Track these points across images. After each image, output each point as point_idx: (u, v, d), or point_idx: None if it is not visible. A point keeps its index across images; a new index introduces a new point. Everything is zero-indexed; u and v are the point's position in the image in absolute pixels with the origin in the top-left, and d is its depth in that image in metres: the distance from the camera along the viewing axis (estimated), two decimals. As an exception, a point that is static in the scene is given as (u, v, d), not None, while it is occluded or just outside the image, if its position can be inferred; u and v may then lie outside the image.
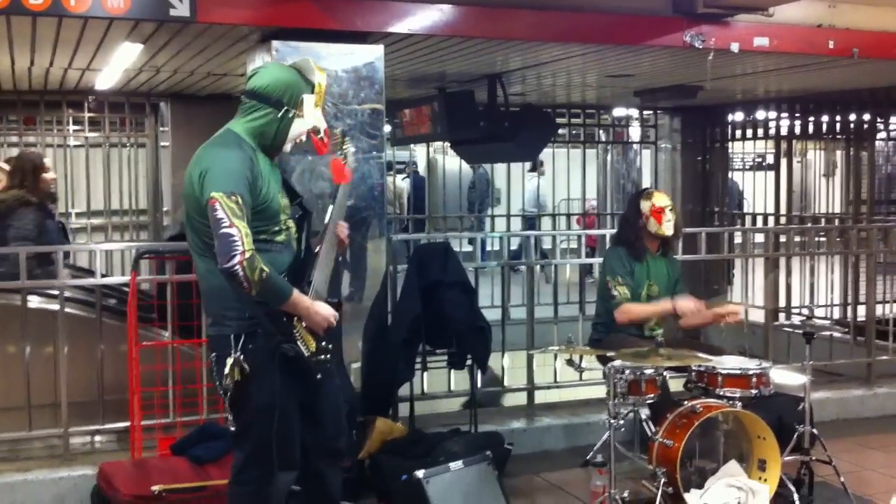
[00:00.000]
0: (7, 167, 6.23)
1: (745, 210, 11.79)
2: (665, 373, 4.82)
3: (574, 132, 10.76)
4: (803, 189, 12.03)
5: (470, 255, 6.80)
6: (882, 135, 9.86)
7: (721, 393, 4.68)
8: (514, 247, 12.95)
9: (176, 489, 4.29)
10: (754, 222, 10.23)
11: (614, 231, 5.78)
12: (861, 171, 9.39)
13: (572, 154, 10.78)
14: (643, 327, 5.38)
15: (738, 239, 9.07)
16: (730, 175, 11.40)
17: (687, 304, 5.22)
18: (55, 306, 5.10)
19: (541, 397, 6.35)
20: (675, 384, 5.11)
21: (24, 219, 5.80)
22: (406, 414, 5.58)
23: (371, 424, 5.03)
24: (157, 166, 9.34)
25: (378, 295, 5.38)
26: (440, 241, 6.02)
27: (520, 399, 6.42)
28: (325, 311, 3.41)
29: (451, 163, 13.56)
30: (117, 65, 6.65)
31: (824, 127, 9.51)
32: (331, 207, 3.63)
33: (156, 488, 4.24)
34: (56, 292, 5.15)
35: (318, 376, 3.46)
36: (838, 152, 11.27)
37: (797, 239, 8.03)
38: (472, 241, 12.09)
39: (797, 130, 9.86)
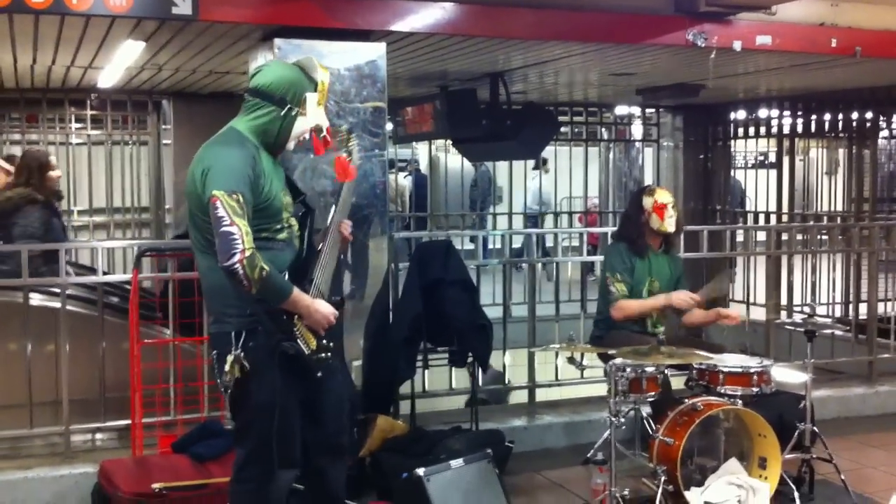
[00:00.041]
0: (7, 166, 6.25)
1: (748, 208, 11.78)
2: (666, 371, 4.82)
3: (576, 130, 10.76)
4: (805, 187, 11.99)
5: (472, 253, 6.81)
6: (884, 133, 9.86)
7: (722, 391, 4.69)
8: (517, 245, 12.95)
9: (177, 487, 4.29)
10: (756, 220, 10.23)
11: (616, 227, 5.78)
12: (863, 170, 9.39)
13: (574, 152, 10.77)
14: (645, 325, 5.38)
15: (740, 237, 9.06)
16: (732, 173, 11.39)
17: (682, 298, 5.21)
18: (57, 304, 5.10)
19: (542, 395, 6.36)
20: (677, 382, 5.12)
21: (30, 217, 5.82)
22: (407, 412, 5.59)
23: (372, 422, 5.03)
24: (160, 164, 9.34)
25: (379, 293, 5.38)
26: (442, 239, 6.04)
27: (521, 397, 6.43)
28: (325, 309, 3.41)
29: (453, 161, 13.55)
30: (119, 63, 6.66)
31: (826, 125, 9.49)
32: (335, 205, 3.64)
33: (157, 486, 4.25)
34: (58, 290, 5.15)
35: (319, 374, 3.46)
36: (840, 150, 11.25)
37: (799, 237, 8.02)
38: (473, 240, 12.18)
39: (799, 129, 9.84)
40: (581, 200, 12.06)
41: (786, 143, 10.04)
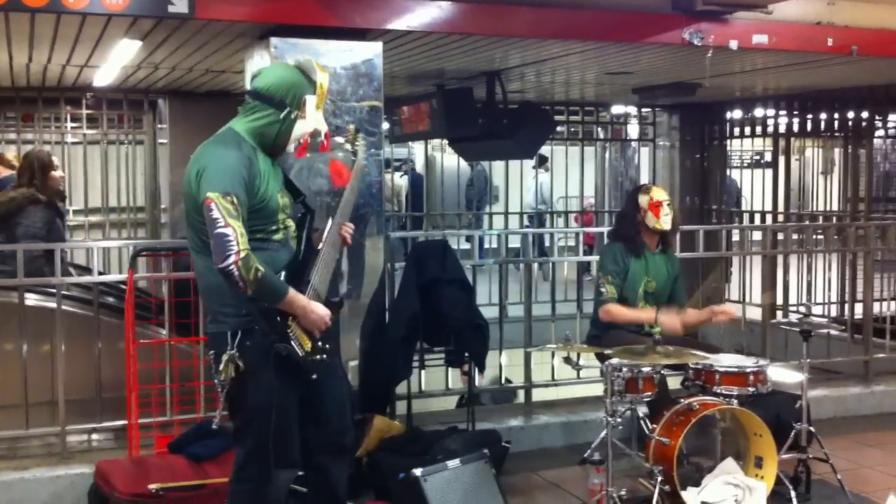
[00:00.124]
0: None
1: (744, 208, 11.78)
2: (662, 370, 4.82)
3: (573, 130, 10.75)
4: (801, 187, 12.01)
5: (468, 253, 6.80)
6: (880, 132, 9.86)
7: (718, 390, 4.69)
8: (516, 244, 12.91)
9: (173, 487, 4.28)
10: (752, 220, 10.24)
11: (611, 227, 5.78)
12: (859, 169, 9.39)
13: (571, 151, 10.77)
14: (641, 325, 5.38)
15: (735, 237, 9.08)
16: (728, 173, 11.40)
17: (670, 321, 5.15)
18: (53, 304, 5.09)
19: (538, 395, 6.35)
20: (673, 382, 5.12)
21: (34, 217, 5.84)
22: (404, 412, 5.59)
23: (369, 422, 5.03)
24: (156, 163, 9.32)
25: (376, 292, 5.37)
26: (438, 239, 6.03)
27: (517, 397, 6.42)
28: (320, 311, 3.41)
29: (450, 160, 13.52)
30: (115, 61, 6.64)
31: (822, 124, 9.52)
32: (338, 206, 3.64)
33: (153, 487, 4.24)
34: (54, 290, 5.14)
35: (315, 376, 3.44)
36: (836, 150, 11.24)
37: (795, 236, 8.03)
38: (470, 239, 12.16)
39: (795, 128, 9.86)
40: (577, 200, 12.07)
41: (782, 143, 10.05)
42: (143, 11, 4.76)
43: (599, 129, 11.43)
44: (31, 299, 5.31)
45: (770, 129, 10.05)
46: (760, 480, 4.53)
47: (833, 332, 7.35)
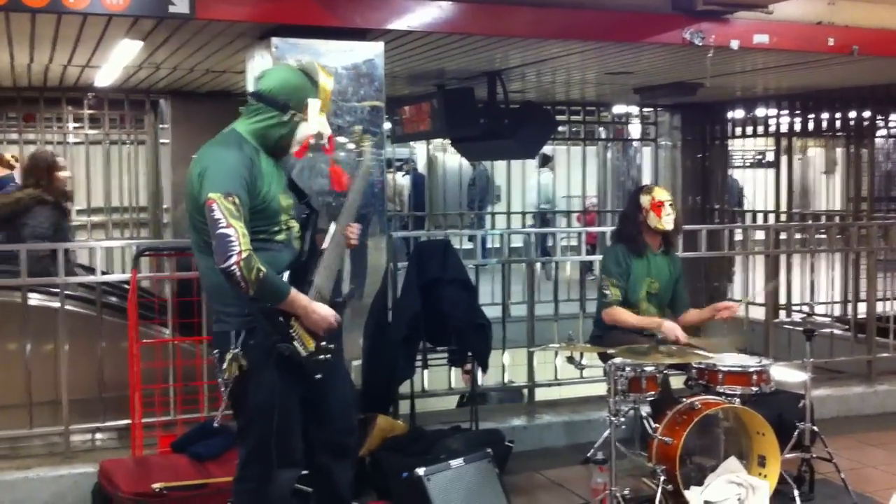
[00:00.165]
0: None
1: (746, 207, 11.78)
2: (665, 370, 4.82)
3: (574, 129, 10.75)
4: (803, 186, 12.02)
5: (470, 253, 6.80)
6: (882, 132, 9.87)
7: (721, 390, 4.69)
8: (520, 244, 12.91)
9: (176, 487, 4.29)
10: (754, 220, 10.24)
11: (614, 228, 5.78)
12: (861, 169, 9.39)
13: (572, 151, 10.77)
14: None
15: (738, 236, 9.07)
16: (730, 172, 11.40)
17: (672, 330, 5.14)
18: (56, 304, 5.09)
19: (541, 394, 6.35)
20: (676, 381, 5.11)
21: (40, 217, 5.86)
22: (406, 411, 5.58)
23: (371, 422, 5.03)
24: (157, 163, 9.33)
25: (378, 292, 5.37)
26: (440, 239, 6.03)
27: (523, 397, 6.42)
28: (323, 311, 3.41)
29: (451, 160, 13.57)
30: (117, 62, 6.64)
31: (824, 124, 9.51)
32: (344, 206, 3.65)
33: (156, 486, 4.24)
34: (57, 290, 5.14)
35: (318, 377, 3.44)
36: (838, 149, 11.27)
37: (797, 236, 8.03)
38: (472, 239, 12.16)
39: (797, 128, 9.85)
40: (579, 200, 12.07)
41: (783, 142, 10.05)
42: (144, 11, 4.76)
43: (601, 128, 11.44)
44: (35, 299, 5.31)
45: (772, 129, 10.04)
46: (764, 479, 4.52)
47: (836, 331, 7.37)
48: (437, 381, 6.21)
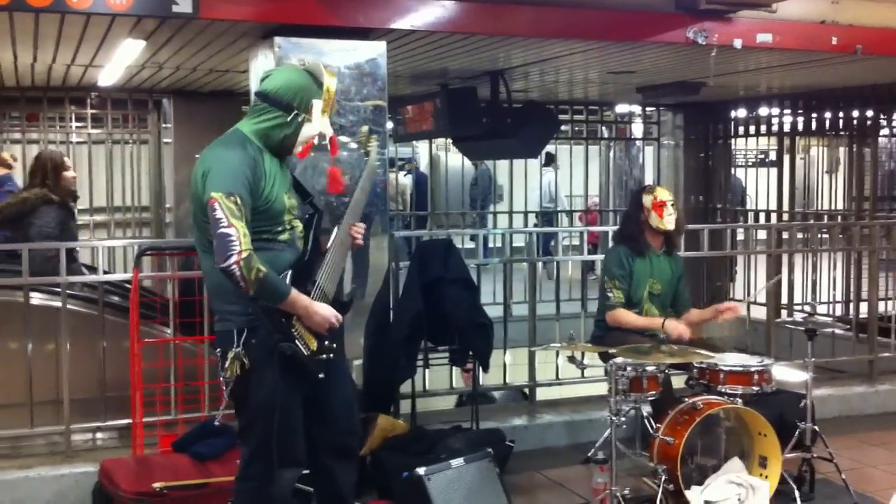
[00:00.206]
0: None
1: (748, 207, 11.77)
2: (667, 369, 4.82)
3: (576, 129, 10.75)
4: (806, 186, 11.99)
5: (472, 252, 6.79)
6: (885, 131, 9.86)
7: (723, 390, 4.69)
8: (523, 243, 12.90)
9: (177, 486, 4.29)
10: (757, 219, 10.22)
11: (616, 228, 5.78)
12: (864, 168, 9.38)
13: (575, 151, 10.76)
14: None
15: (740, 236, 9.06)
16: (732, 171, 11.39)
17: (675, 328, 5.15)
18: (58, 303, 5.10)
19: (542, 394, 6.35)
20: (677, 381, 5.11)
21: (46, 217, 5.87)
22: (407, 411, 5.58)
23: (373, 421, 5.03)
24: (160, 163, 9.35)
25: (380, 291, 5.38)
26: (442, 238, 6.02)
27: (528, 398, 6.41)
28: (324, 311, 3.41)
29: (454, 159, 13.52)
30: (120, 61, 6.65)
31: (827, 123, 9.50)
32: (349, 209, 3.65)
33: (157, 485, 4.24)
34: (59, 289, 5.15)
35: (321, 376, 3.45)
36: (841, 149, 11.25)
37: (800, 235, 8.02)
38: (474, 238, 12.18)
39: (800, 127, 9.84)
40: (581, 199, 12.06)
41: (786, 142, 10.03)
42: (147, 11, 4.77)
43: (603, 128, 11.42)
44: (37, 298, 5.32)
45: (775, 128, 10.04)
46: (764, 480, 4.52)
47: (838, 331, 7.38)
48: (437, 381, 6.22)
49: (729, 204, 10.68)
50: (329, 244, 3.58)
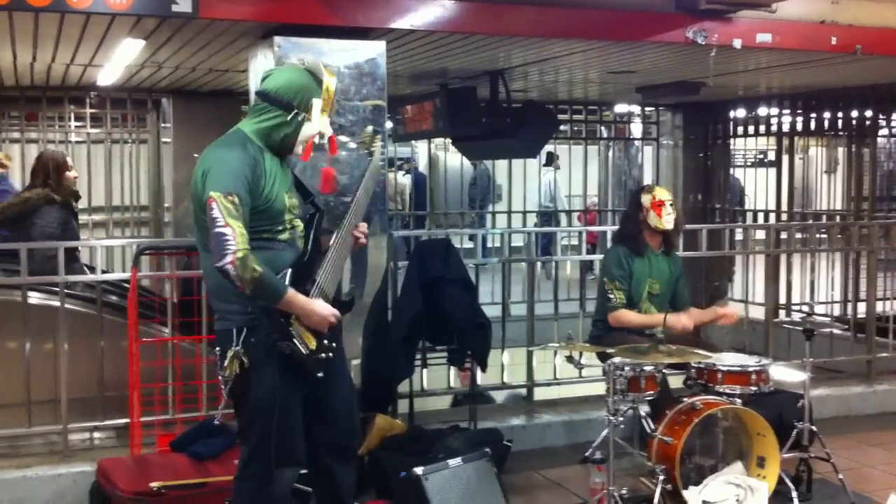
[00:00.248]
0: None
1: (747, 206, 11.77)
2: (665, 370, 4.82)
3: (576, 129, 10.75)
4: (805, 186, 12.01)
5: (471, 252, 6.79)
6: (884, 131, 9.86)
7: (721, 390, 4.69)
8: (520, 243, 12.91)
9: (175, 486, 4.29)
10: (755, 219, 10.23)
11: (615, 228, 5.78)
12: (863, 168, 9.38)
13: (574, 151, 10.76)
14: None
15: (739, 235, 9.07)
16: (731, 172, 11.39)
17: (678, 321, 5.17)
18: (56, 302, 5.10)
19: (540, 394, 6.35)
20: (675, 381, 5.11)
21: (48, 217, 5.87)
22: (405, 410, 5.59)
23: (371, 421, 5.03)
24: (159, 162, 9.35)
25: (379, 291, 5.38)
26: (441, 238, 6.03)
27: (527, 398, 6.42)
28: (323, 311, 3.41)
29: (453, 159, 13.53)
30: (119, 61, 6.65)
31: (826, 123, 9.50)
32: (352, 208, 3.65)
33: (155, 485, 4.25)
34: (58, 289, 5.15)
35: (320, 375, 3.45)
36: (840, 149, 11.25)
37: (798, 235, 8.03)
38: (472, 238, 12.17)
39: (799, 127, 9.85)
40: (580, 199, 12.06)
41: (785, 142, 10.03)
42: (147, 11, 4.77)
43: (603, 127, 11.42)
44: (35, 298, 5.31)
45: (774, 128, 10.03)
46: (763, 480, 4.52)
47: (836, 331, 7.37)
48: (435, 381, 6.22)
49: (727, 204, 10.68)
50: (330, 243, 3.58)
